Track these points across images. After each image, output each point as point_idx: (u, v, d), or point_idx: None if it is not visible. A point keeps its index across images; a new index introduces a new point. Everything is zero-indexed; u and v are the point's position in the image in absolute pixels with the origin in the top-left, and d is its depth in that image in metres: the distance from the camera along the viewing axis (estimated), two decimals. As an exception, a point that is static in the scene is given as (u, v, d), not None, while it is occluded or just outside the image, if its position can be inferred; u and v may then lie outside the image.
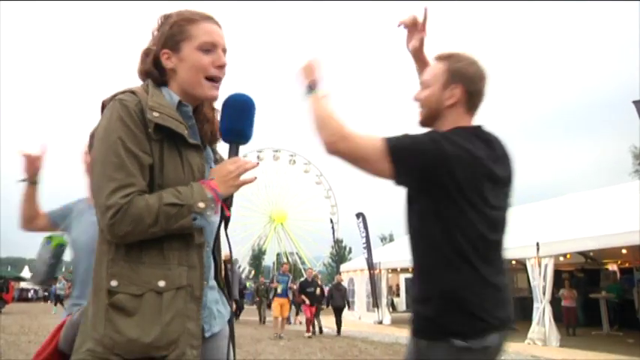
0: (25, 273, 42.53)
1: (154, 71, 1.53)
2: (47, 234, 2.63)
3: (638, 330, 13.38)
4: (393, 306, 23.68)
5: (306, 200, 51.96)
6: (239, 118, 1.48)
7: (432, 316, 1.77)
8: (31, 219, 2.57)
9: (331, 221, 23.13)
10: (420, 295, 1.86)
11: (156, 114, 1.39)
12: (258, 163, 1.54)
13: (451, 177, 1.73)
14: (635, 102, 9.34)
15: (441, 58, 1.98)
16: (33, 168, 2.51)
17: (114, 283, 1.33)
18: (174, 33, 1.50)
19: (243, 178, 1.47)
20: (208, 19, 1.53)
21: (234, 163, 1.47)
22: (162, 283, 1.36)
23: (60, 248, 2.58)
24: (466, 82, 1.90)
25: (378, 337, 13.27)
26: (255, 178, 1.51)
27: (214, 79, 1.51)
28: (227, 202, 1.47)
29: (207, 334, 1.46)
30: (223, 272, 1.64)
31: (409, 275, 25.22)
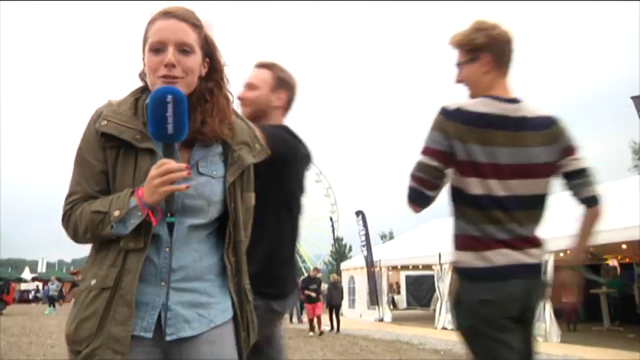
0: (26, 274, 42.59)
1: (143, 75, 1.54)
2: None
3: (638, 325, 13.40)
4: (393, 303, 23.72)
5: (305, 198, 51.71)
6: (157, 116, 1.35)
7: None
8: None
9: (331, 219, 23.07)
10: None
11: (104, 122, 1.44)
12: (188, 168, 1.37)
13: (287, 166, 2.22)
14: (633, 97, 9.34)
15: (263, 65, 2.37)
16: None
17: (78, 277, 1.39)
18: (143, 37, 1.49)
19: (169, 187, 1.34)
20: (165, 14, 1.46)
21: (157, 167, 1.35)
22: (93, 282, 1.41)
23: None
24: (289, 89, 2.37)
25: (378, 334, 13.28)
26: (187, 187, 1.37)
27: (168, 78, 1.43)
28: (168, 206, 1.37)
29: (169, 338, 1.43)
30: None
31: (410, 272, 25.30)
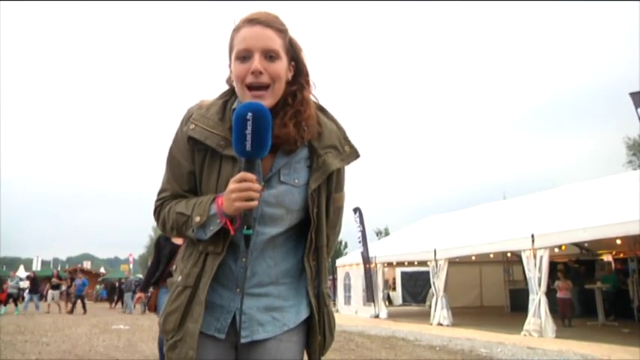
0: (21, 272, 42.30)
1: (230, 81, 1.56)
2: None
3: (632, 320, 13.50)
4: (389, 300, 23.76)
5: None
6: (238, 133, 1.36)
7: None
8: None
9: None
10: None
11: (192, 126, 1.49)
12: (262, 188, 1.41)
13: None
14: (632, 94, 9.36)
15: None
16: None
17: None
18: (229, 46, 1.51)
19: (243, 203, 1.36)
20: (250, 22, 1.47)
21: (235, 182, 1.37)
22: (179, 279, 1.53)
23: None
24: None
25: (374, 330, 13.29)
26: (256, 204, 1.38)
27: (254, 87, 1.44)
28: (245, 219, 1.39)
29: (244, 340, 1.49)
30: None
31: (405, 269, 25.35)
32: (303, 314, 1.57)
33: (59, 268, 52.19)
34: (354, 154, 1.61)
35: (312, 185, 1.51)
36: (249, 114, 1.34)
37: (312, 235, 1.54)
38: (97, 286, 38.69)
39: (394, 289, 27.65)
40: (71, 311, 21.42)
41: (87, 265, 56.04)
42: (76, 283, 22.59)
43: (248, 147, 1.35)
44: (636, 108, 9.01)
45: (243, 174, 1.37)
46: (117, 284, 27.84)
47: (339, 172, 1.60)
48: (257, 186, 1.37)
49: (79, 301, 21.94)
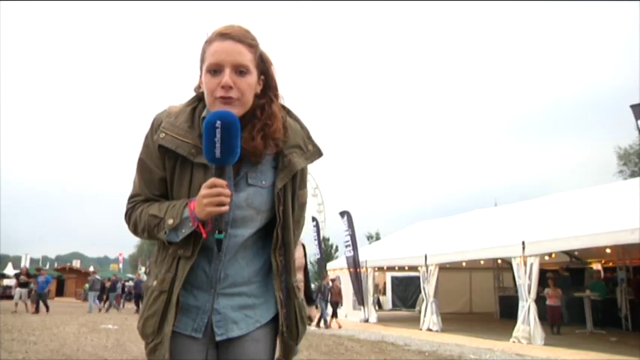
0: (9, 270, 41.98)
1: (199, 90, 1.59)
2: None
3: (620, 328, 13.58)
4: (379, 304, 23.77)
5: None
6: (208, 141, 1.39)
7: None
8: None
9: (314, 219, 22.97)
10: None
11: (162, 135, 1.51)
12: (231, 193, 1.42)
13: None
14: (632, 106, 9.40)
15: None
16: None
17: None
18: (200, 57, 1.54)
19: (214, 208, 1.39)
20: (222, 36, 1.49)
21: (206, 188, 1.41)
22: (154, 283, 1.56)
23: None
24: None
25: (364, 335, 13.30)
26: (227, 209, 1.41)
27: (225, 99, 1.46)
28: (216, 223, 1.42)
29: (219, 338, 1.56)
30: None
31: (396, 274, 25.38)
32: (274, 309, 1.63)
33: (47, 267, 51.85)
34: (317, 153, 1.65)
35: (279, 184, 1.56)
36: (218, 122, 1.37)
37: (278, 231, 1.58)
38: (86, 285, 38.42)
39: (384, 293, 27.67)
40: (36, 310, 19.69)
41: (76, 263, 55.66)
42: (38, 280, 20.92)
43: (217, 154, 1.38)
44: (636, 120, 9.09)
45: (213, 180, 1.41)
46: (105, 284, 27.68)
47: (303, 171, 1.65)
48: (227, 191, 1.41)
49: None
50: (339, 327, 15.71)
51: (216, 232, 1.43)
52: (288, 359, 1.65)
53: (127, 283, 33.01)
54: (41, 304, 20.20)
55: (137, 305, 24.40)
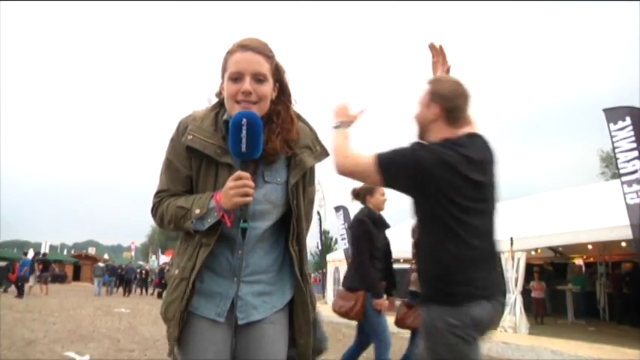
0: (30, 256, 41.96)
1: (220, 95, 1.66)
2: None
3: (598, 319, 13.66)
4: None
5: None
6: (234, 137, 1.47)
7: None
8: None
9: (318, 213, 22.98)
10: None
11: (190, 137, 1.57)
12: (253, 186, 1.49)
13: (430, 178, 1.97)
14: (605, 110, 9.45)
15: (427, 82, 2.22)
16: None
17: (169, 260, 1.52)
18: (222, 66, 1.61)
19: (240, 199, 1.47)
20: (242, 47, 1.56)
21: (233, 180, 1.48)
22: (176, 272, 1.62)
23: None
24: (442, 100, 2.13)
25: (360, 322, 13.32)
26: (251, 199, 1.49)
27: (245, 103, 1.53)
28: (242, 213, 1.51)
29: (241, 322, 1.62)
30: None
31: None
32: (288, 296, 1.70)
33: (65, 253, 51.96)
34: (324, 153, 1.73)
35: (292, 181, 1.63)
36: (244, 120, 1.45)
37: (294, 223, 1.65)
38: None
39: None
40: (19, 294, 18.00)
41: (92, 251, 55.84)
42: (20, 263, 19.18)
43: (243, 148, 1.46)
44: (608, 124, 9.13)
45: (239, 173, 1.48)
46: (119, 271, 27.76)
47: (312, 169, 1.72)
48: (252, 183, 1.48)
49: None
50: None
51: (242, 221, 1.50)
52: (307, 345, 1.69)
53: (144, 270, 32.77)
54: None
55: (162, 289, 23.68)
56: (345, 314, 4.17)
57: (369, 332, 4.29)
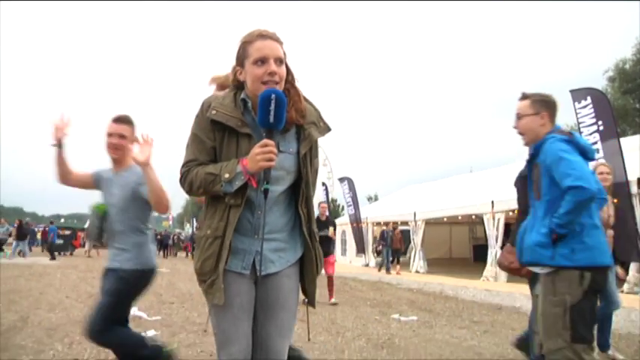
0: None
1: (237, 81, 1.67)
2: (94, 203, 2.73)
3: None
4: (377, 252, 23.97)
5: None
6: (263, 110, 1.49)
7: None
8: (64, 175, 2.70)
9: (323, 184, 23.18)
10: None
11: (213, 112, 1.60)
12: (276, 153, 1.51)
13: None
14: (572, 91, 9.34)
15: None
16: (60, 134, 2.59)
17: (197, 225, 1.52)
18: (240, 54, 1.63)
19: (266, 163, 1.49)
20: (261, 36, 1.60)
21: (260, 147, 1.50)
22: (208, 232, 1.62)
23: (105, 213, 2.69)
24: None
25: (364, 276, 13.52)
26: (274, 164, 1.51)
27: (269, 83, 1.56)
28: (265, 175, 1.52)
29: (262, 274, 1.64)
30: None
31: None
32: (299, 252, 1.72)
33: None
34: (327, 129, 1.75)
35: (302, 151, 1.65)
36: (273, 95, 1.48)
37: (303, 187, 1.67)
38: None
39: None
40: (52, 257, 17.69)
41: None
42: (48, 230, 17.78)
43: (271, 119, 1.49)
44: (574, 102, 9.16)
45: (265, 140, 1.51)
46: (157, 237, 28.25)
47: (316, 142, 1.73)
48: (276, 150, 1.51)
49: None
50: (398, 274, 14.17)
51: (265, 182, 1.52)
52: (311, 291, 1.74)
53: (176, 236, 33.23)
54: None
55: (191, 250, 24.29)
56: (514, 270, 3.34)
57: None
